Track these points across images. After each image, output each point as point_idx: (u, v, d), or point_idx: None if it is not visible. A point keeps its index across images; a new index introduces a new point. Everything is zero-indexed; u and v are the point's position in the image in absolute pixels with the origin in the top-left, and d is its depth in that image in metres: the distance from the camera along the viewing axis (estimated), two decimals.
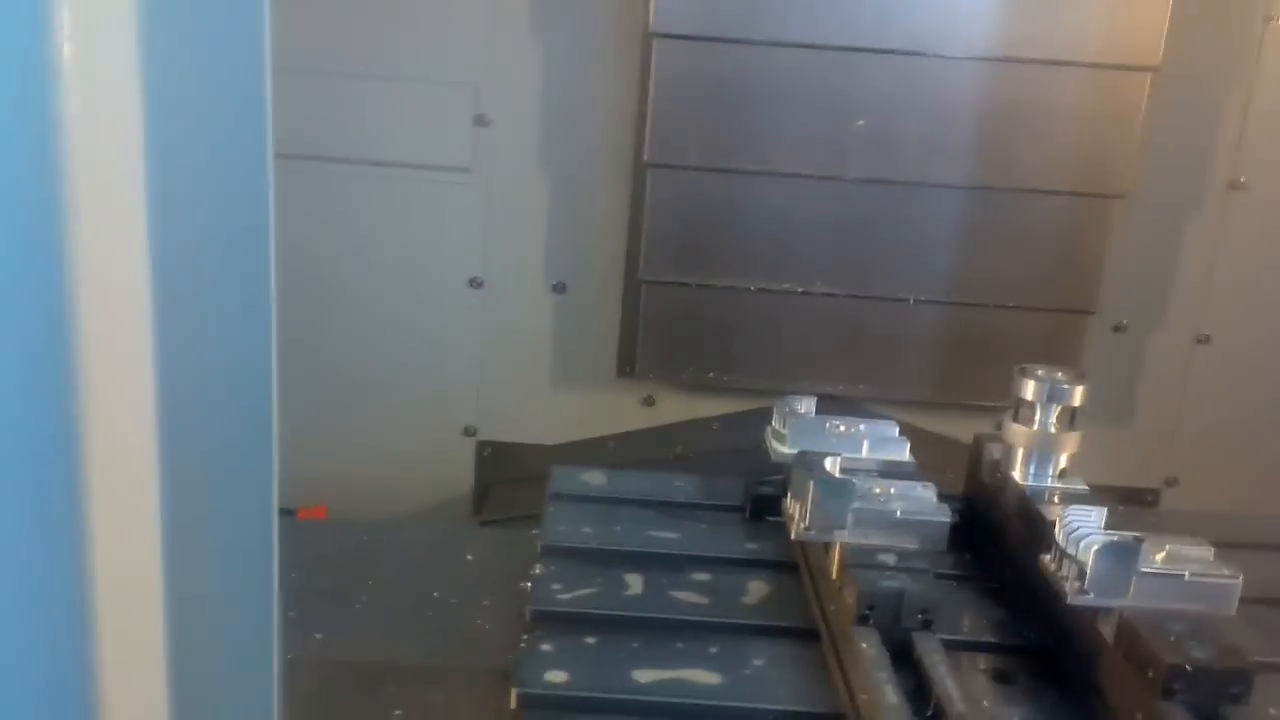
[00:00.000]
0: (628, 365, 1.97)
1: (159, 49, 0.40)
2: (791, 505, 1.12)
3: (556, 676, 0.98)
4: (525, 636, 1.04)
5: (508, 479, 2.02)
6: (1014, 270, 1.89)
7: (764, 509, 1.27)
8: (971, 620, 1.07)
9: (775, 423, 1.25)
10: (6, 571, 0.42)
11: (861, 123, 1.84)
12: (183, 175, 0.43)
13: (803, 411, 1.23)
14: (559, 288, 2.01)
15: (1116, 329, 2.01)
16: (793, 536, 1.10)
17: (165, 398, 0.44)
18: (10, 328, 0.40)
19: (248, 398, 0.47)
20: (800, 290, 1.92)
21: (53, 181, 0.39)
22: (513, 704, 0.96)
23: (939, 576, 1.03)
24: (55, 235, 0.39)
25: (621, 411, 2.03)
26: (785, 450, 1.21)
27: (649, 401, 2.04)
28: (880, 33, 1.81)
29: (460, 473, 2.06)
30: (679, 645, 1.04)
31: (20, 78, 0.38)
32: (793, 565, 1.17)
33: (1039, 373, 1.15)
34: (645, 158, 1.87)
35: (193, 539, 0.47)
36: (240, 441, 0.48)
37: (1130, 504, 1.95)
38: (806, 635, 1.06)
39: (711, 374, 1.96)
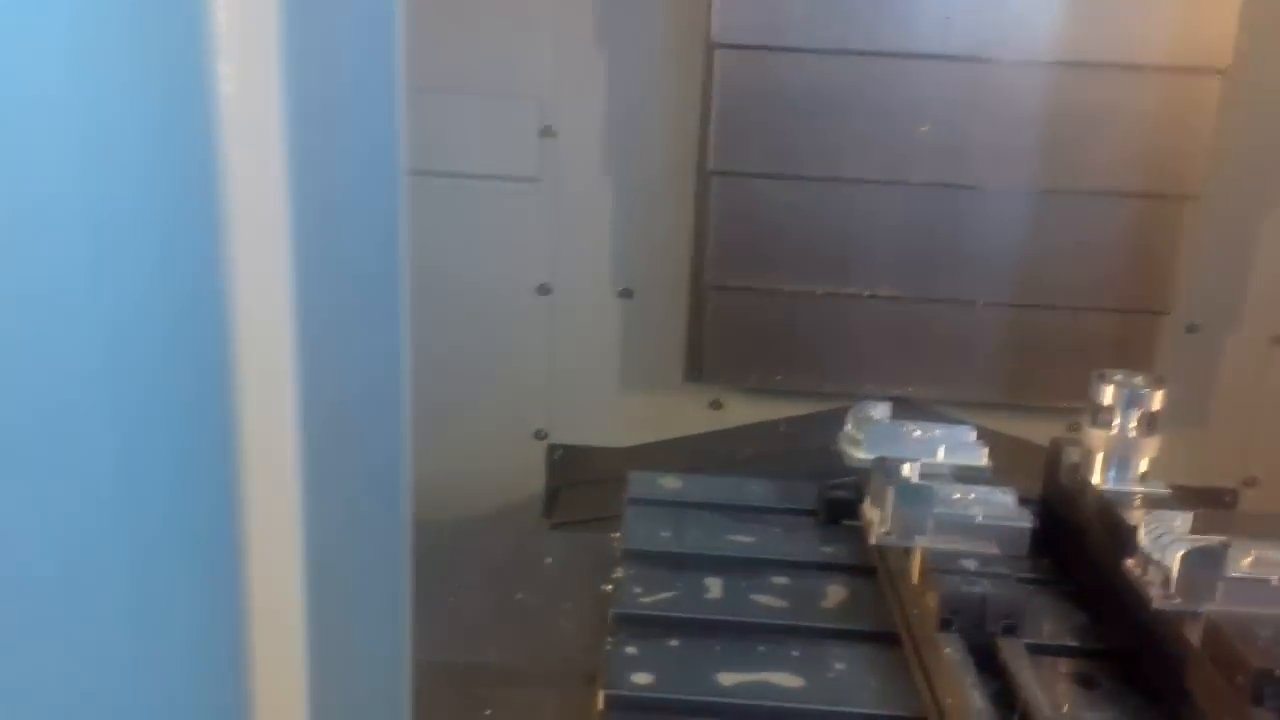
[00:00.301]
0: (695, 369, 1.99)
1: (300, 78, 0.43)
2: (870, 510, 1.13)
3: (642, 678, 1.00)
4: (609, 639, 1.07)
5: (578, 482, 2.05)
6: (1084, 272, 1.88)
7: (838, 513, 1.29)
8: (1053, 624, 1.08)
9: (850, 428, 1.26)
10: (169, 574, 0.45)
11: (926, 128, 1.84)
12: (322, 187, 0.46)
13: (878, 417, 1.25)
14: (626, 293, 2.04)
15: (1190, 329, 1.99)
16: (872, 541, 1.11)
17: (306, 408, 0.47)
18: (175, 341, 0.43)
19: (382, 408, 0.50)
20: (866, 294, 1.93)
21: (210, 195, 0.42)
22: (599, 705, 0.99)
23: (1019, 581, 1.04)
24: (211, 254, 0.43)
25: (689, 415, 2.05)
26: (861, 455, 1.22)
27: (716, 405, 2.06)
28: (943, 38, 1.81)
29: (531, 476, 2.10)
30: (760, 649, 1.06)
31: (187, 106, 0.41)
32: (870, 569, 1.19)
33: (1118, 377, 1.16)
34: (709, 166, 1.89)
35: (331, 542, 0.50)
36: (375, 447, 0.51)
37: (1208, 505, 1.93)
38: (886, 639, 1.07)
39: (778, 377, 1.97)
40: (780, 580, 1.17)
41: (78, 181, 0.37)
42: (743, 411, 2.05)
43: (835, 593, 1.15)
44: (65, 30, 0.35)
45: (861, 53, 1.82)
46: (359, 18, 0.44)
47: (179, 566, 0.45)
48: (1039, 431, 1.80)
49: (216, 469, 0.45)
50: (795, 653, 1.05)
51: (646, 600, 1.12)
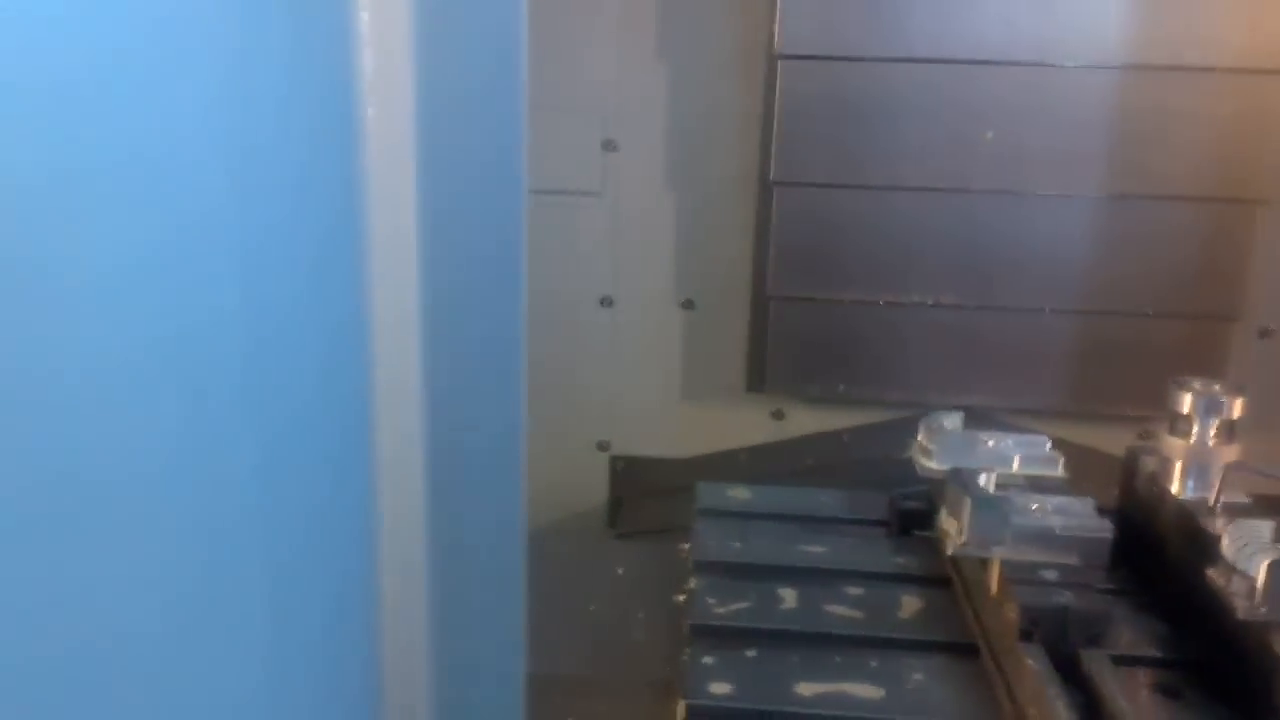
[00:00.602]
0: (757, 380, 1.99)
1: (433, 109, 0.46)
2: (946, 521, 1.13)
3: (721, 688, 1.01)
4: (686, 649, 1.08)
5: (642, 492, 2.07)
6: (1153, 277, 1.86)
7: (910, 524, 1.29)
8: (1134, 635, 1.07)
9: (922, 438, 1.26)
10: (307, 569, 0.47)
11: (990, 135, 1.83)
12: (450, 208, 0.48)
13: (950, 427, 1.25)
14: (688, 305, 2.05)
15: (1263, 334, 1.96)
16: (949, 553, 1.11)
17: (431, 414, 0.49)
18: (316, 349, 0.45)
19: (500, 417, 0.52)
20: (929, 303, 1.92)
21: (352, 216, 0.44)
22: (680, 716, 1.00)
23: (1099, 592, 1.04)
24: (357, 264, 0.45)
25: (751, 425, 2.06)
26: (934, 465, 1.22)
27: (778, 415, 2.06)
28: (1006, 45, 1.80)
29: (594, 486, 2.11)
30: (837, 659, 1.06)
31: (339, 133, 0.43)
32: (944, 580, 1.18)
33: (1196, 385, 1.15)
34: (771, 176, 1.89)
35: (452, 543, 0.52)
36: (495, 455, 0.53)
37: None
38: (963, 650, 1.07)
39: (841, 387, 1.97)
40: (854, 591, 1.17)
41: (231, 202, 0.39)
42: (805, 422, 2.06)
43: (910, 603, 1.15)
44: (222, 82, 0.37)
45: (924, 60, 1.82)
46: (487, 52, 0.46)
47: (316, 563, 0.47)
48: (1107, 440, 1.78)
49: (355, 473, 0.47)
50: (873, 663, 1.05)
51: (721, 611, 1.13)
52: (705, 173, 2.00)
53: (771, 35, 1.81)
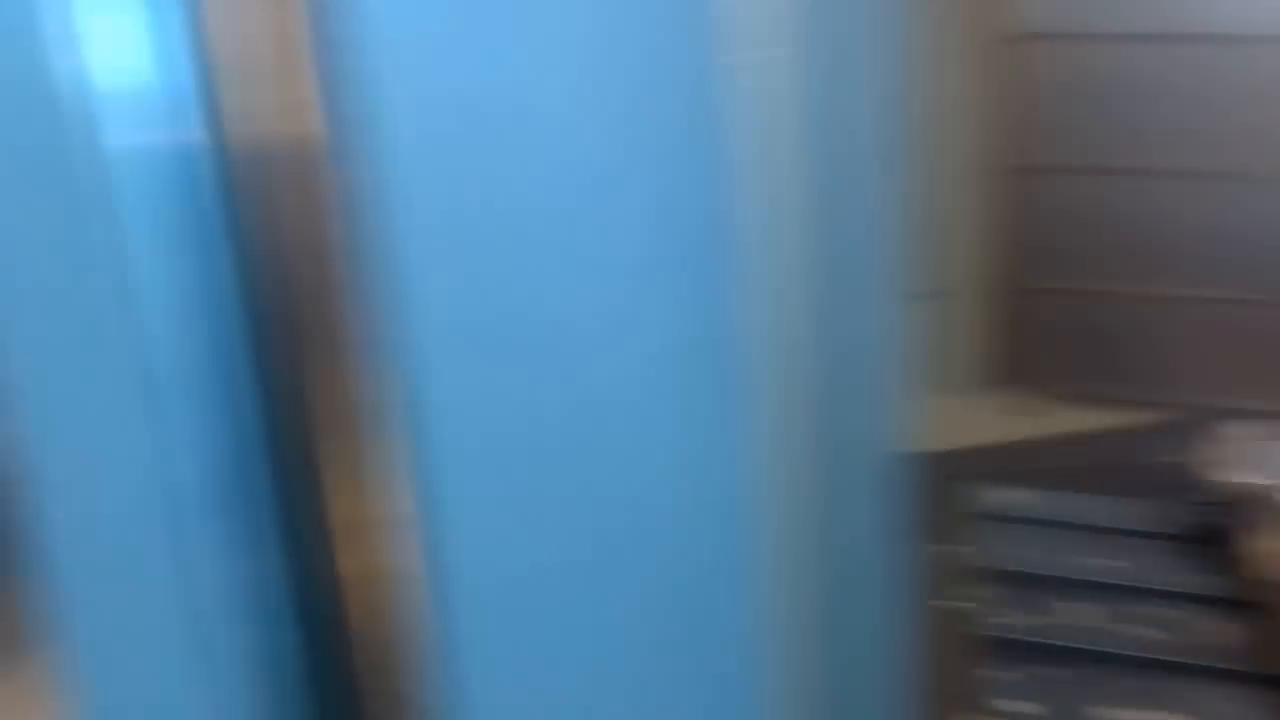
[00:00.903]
0: (1003, 374, 1.93)
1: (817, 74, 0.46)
2: (1255, 541, 1.06)
3: (1022, 706, 0.99)
4: (978, 662, 1.06)
5: None
6: None
7: (1206, 539, 1.21)
8: None
9: (1214, 446, 1.19)
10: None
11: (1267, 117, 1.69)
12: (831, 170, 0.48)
13: (1250, 437, 1.16)
14: (935, 294, 2.00)
15: None
16: (1262, 576, 1.04)
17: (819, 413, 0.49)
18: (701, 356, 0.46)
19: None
20: (1199, 296, 1.80)
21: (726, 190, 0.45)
22: None
23: None
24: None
25: (996, 420, 1.99)
26: (1234, 478, 1.14)
27: (1029, 410, 1.99)
28: (1273, 17, 1.66)
29: None
30: (1137, 683, 1.02)
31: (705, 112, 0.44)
32: (1252, 604, 1.11)
33: None
34: (1015, 162, 1.82)
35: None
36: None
37: None
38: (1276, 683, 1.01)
39: (1097, 384, 1.87)
40: (1151, 610, 1.12)
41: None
42: (1057, 419, 1.97)
43: (1215, 627, 1.09)
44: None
45: (1180, 36, 1.70)
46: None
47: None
48: None
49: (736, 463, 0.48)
50: (1176, 690, 1.00)
51: (1010, 623, 1.10)
52: (941, 159, 1.93)
53: (1008, 16, 1.73)
